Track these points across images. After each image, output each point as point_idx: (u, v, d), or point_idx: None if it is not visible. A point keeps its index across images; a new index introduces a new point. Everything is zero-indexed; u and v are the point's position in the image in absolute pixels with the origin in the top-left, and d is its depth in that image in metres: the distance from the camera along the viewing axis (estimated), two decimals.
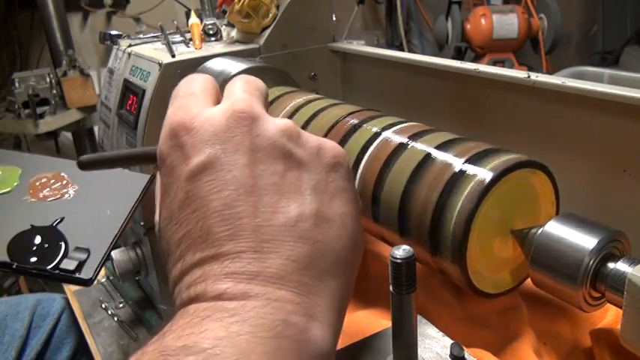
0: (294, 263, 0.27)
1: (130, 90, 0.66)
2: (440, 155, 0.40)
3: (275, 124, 0.31)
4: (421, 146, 0.42)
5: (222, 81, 0.57)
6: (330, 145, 0.32)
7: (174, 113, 0.31)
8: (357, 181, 0.45)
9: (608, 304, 0.36)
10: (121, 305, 0.74)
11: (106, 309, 0.73)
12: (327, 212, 0.29)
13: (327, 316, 0.28)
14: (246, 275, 0.26)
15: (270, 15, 0.68)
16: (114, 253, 0.66)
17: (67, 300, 0.75)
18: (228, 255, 0.27)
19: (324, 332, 0.27)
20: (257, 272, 0.26)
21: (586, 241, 0.35)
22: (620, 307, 0.33)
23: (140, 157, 0.39)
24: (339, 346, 0.36)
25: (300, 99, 0.54)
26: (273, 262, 0.27)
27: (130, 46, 0.72)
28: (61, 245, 0.42)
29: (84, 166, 0.37)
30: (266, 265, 0.27)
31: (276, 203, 0.28)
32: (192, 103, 0.32)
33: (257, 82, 0.35)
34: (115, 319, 0.71)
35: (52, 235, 0.43)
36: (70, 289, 0.78)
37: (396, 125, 0.46)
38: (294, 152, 0.30)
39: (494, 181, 0.36)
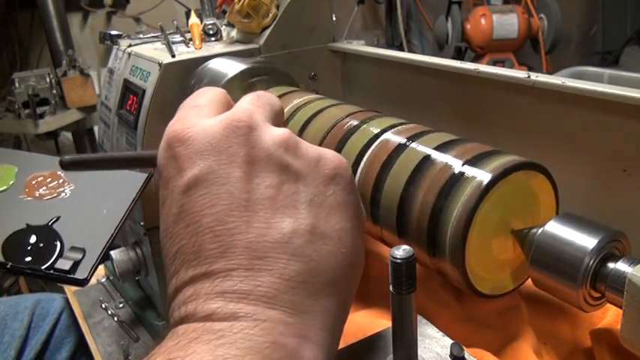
0: (287, 282, 0.26)
1: (130, 90, 0.66)
2: (439, 156, 0.40)
3: (272, 135, 0.30)
4: (420, 147, 0.42)
5: (223, 82, 0.57)
6: (331, 155, 0.31)
7: (172, 124, 0.31)
8: (356, 183, 0.45)
9: (608, 304, 0.36)
10: (121, 305, 0.74)
11: (106, 309, 0.73)
12: (322, 228, 0.28)
13: (321, 336, 0.27)
14: (237, 294, 0.26)
15: (270, 15, 0.68)
16: (114, 253, 0.66)
17: (66, 300, 0.75)
18: (219, 273, 0.26)
19: (316, 353, 0.26)
20: (248, 291, 0.26)
21: (586, 241, 0.35)
22: (620, 307, 0.33)
23: (132, 160, 0.38)
24: (339, 347, 0.36)
25: (299, 99, 0.54)
26: (265, 280, 0.26)
27: (130, 46, 0.72)
28: (56, 245, 0.42)
29: (65, 166, 0.37)
30: (257, 284, 0.26)
31: (270, 218, 0.28)
32: (192, 115, 0.32)
33: (269, 97, 0.34)
34: (115, 319, 0.71)
35: (48, 234, 0.43)
36: (69, 289, 0.78)
37: (395, 126, 0.46)
38: (291, 164, 0.29)
39: (492, 182, 0.36)
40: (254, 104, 0.32)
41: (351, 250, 0.29)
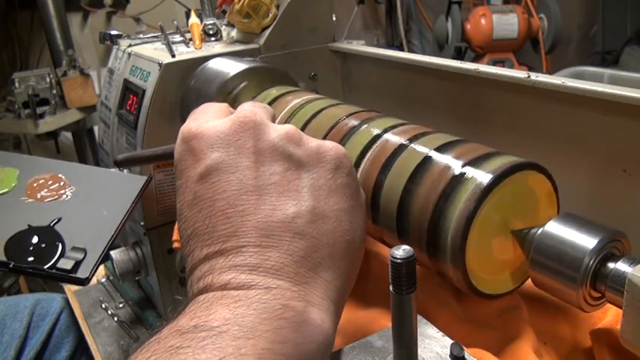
0: (291, 256, 0.29)
1: (130, 90, 0.66)
2: (439, 157, 0.40)
3: (277, 130, 0.33)
4: (421, 148, 0.42)
5: (222, 82, 0.57)
6: (331, 145, 0.34)
7: (187, 124, 0.35)
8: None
9: (608, 304, 0.36)
10: (121, 305, 0.74)
11: (106, 309, 0.73)
12: (322, 209, 0.32)
13: (324, 303, 0.30)
14: (247, 267, 0.29)
15: (270, 15, 0.68)
16: (114, 253, 0.66)
17: (66, 300, 0.75)
18: (231, 250, 0.29)
19: (322, 316, 0.29)
20: (257, 264, 0.29)
21: (586, 241, 0.35)
22: (620, 307, 0.33)
23: (163, 155, 0.43)
24: (339, 347, 0.36)
25: (299, 99, 0.54)
26: (272, 255, 0.29)
27: (130, 46, 0.72)
28: (58, 245, 0.43)
29: (119, 164, 0.43)
30: (265, 258, 0.29)
31: (276, 201, 0.31)
32: (203, 117, 0.36)
33: (263, 104, 0.38)
34: (115, 319, 0.71)
35: (49, 235, 0.44)
36: (70, 289, 0.78)
37: (395, 127, 0.45)
38: (294, 154, 0.33)
39: (493, 184, 0.36)
40: (255, 106, 0.35)
41: (348, 228, 0.32)
